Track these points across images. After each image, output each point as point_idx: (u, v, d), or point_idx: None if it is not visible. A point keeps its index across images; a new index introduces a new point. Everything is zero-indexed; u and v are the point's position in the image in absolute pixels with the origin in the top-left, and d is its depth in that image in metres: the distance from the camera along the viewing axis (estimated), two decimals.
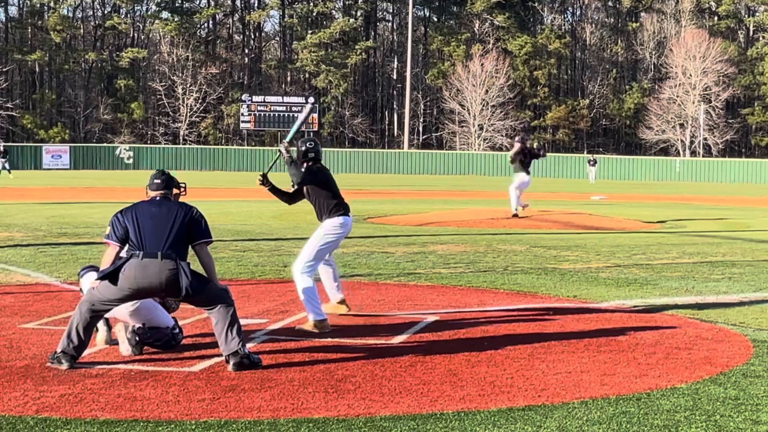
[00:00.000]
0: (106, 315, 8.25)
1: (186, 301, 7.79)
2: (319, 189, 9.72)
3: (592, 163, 65.92)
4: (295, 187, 9.81)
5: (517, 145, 24.72)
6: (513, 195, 24.16)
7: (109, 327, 8.46)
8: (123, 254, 7.73)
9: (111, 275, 7.56)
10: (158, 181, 7.94)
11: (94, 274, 8.05)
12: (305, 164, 9.74)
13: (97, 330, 8.39)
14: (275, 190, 9.88)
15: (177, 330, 8.26)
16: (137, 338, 8.01)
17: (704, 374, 7.59)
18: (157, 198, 7.88)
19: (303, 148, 9.75)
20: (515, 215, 23.96)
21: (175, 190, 8.08)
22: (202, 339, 8.65)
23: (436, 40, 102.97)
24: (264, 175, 9.73)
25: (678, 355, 8.30)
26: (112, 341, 8.39)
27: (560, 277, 13.43)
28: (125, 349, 8.01)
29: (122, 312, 8.19)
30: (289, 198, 10.06)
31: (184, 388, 6.98)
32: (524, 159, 24.47)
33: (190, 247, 7.79)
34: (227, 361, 7.55)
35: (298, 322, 9.62)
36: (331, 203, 9.72)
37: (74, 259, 14.63)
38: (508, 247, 17.37)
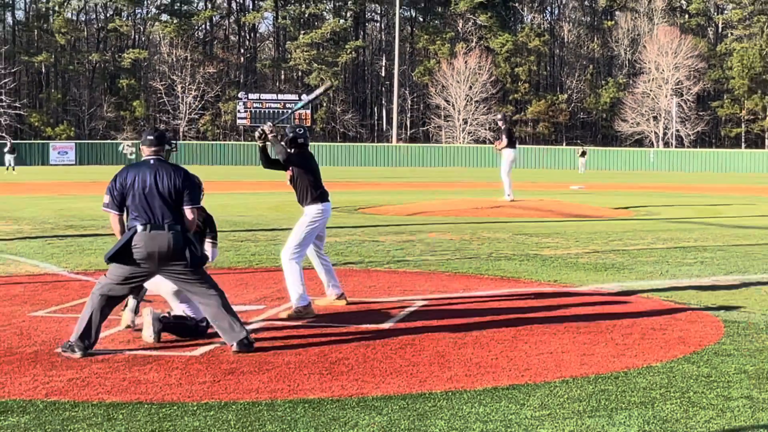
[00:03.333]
0: (149, 290, 8.24)
1: (182, 282, 7.60)
2: (305, 174, 9.52)
3: (581, 154, 65.78)
4: (282, 161, 9.42)
5: (503, 126, 23.50)
6: (506, 180, 23.75)
7: (136, 312, 8.36)
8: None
9: (122, 254, 7.45)
10: (152, 137, 7.64)
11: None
12: (293, 150, 9.50)
13: (123, 309, 8.35)
14: (264, 149, 9.49)
15: (205, 323, 8.01)
16: (160, 326, 7.84)
17: (678, 353, 7.61)
18: (152, 161, 7.58)
19: (291, 135, 9.48)
20: (512, 200, 23.86)
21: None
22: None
23: (422, 39, 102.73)
24: (268, 131, 9.24)
25: (653, 335, 8.32)
26: (135, 326, 8.25)
27: (542, 262, 13.43)
28: (148, 335, 7.83)
29: (166, 290, 8.13)
30: (267, 162, 9.63)
31: (185, 371, 6.97)
32: (511, 137, 23.41)
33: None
34: (231, 344, 7.50)
35: (291, 309, 9.60)
36: (316, 191, 9.54)
37: (80, 251, 14.58)
38: (492, 234, 17.37)
